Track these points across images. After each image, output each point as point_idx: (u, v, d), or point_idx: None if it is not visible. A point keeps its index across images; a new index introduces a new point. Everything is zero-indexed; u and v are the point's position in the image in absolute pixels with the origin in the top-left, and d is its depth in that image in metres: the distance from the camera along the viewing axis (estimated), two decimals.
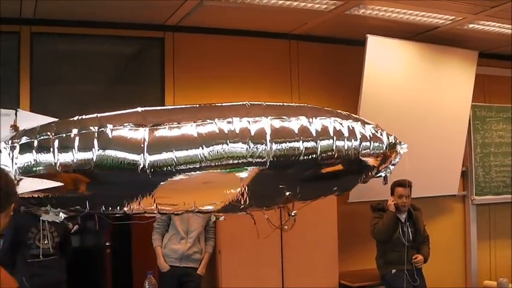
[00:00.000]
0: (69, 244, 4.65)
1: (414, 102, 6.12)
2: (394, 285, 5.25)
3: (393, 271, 5.25)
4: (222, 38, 5.84)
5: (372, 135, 3.12)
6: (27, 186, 2.72)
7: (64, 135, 2.78)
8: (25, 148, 2.82)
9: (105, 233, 5.58)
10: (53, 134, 2.79)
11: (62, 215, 2.94)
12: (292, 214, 3.37)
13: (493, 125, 6.98)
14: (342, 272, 5.81)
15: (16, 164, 2.75)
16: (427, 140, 6.17)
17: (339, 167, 3.11)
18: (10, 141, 2.82)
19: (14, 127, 2.97)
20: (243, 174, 2.83)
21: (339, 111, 3.17)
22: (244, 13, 5.32)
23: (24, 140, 2.82)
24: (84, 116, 2.87)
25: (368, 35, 5.69)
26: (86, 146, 2.73)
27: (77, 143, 2.74)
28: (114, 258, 5.67)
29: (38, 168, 2.76)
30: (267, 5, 5.05)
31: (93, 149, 2.71)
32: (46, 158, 2.79)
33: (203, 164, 2.81)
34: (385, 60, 5.92)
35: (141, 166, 2.71)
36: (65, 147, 2.75)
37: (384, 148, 3.16)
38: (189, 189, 2.87)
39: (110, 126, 2.76)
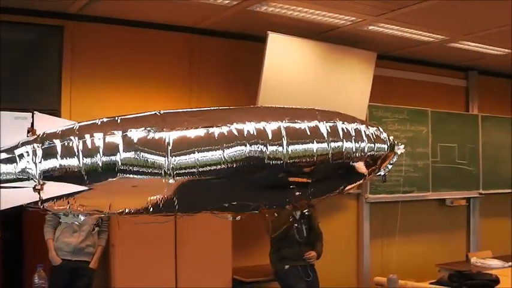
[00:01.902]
0: None
1: (312, 101, 6.22)
2: (287, 281, 5.54)
3: (286, 267, 5.52)
4: (124, 29, 5.96)
5: (375, 137, 3.46)
6: (53, 190, 2.76)
7: (88, 139, 2.85)
8: (49, 152, 2.87)
9: None
10: (76, 138, 2.84)
11: (81, 217, 2.99)
12: (306, 213, 3.69)
13: (389, 126, 7.37)
14: (236, 267, 6.03)
15: (39, 168, 2.77)
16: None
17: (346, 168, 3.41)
18: (32, 145, 2.83)
19: (31, 130, 2.95)
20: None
21: (343, 113, 3.46)
22: (146, 4, 5.47)
23: (47, 144, 2.85)
24: (104, 119, 2.94)
25: (269, 32, 5.90)
26: (110, 151, 2.82)
27: (101, 148, 2.81)
28: (5, 250, 5.68)
29: (63, 173, 2.81)
30: None
31: (118, 153, 2.80)
32: (71, 162, 2.85)
33: (223, 166, 3.02)
34: (285, 58, 6.15)
35: (166, 169, 2.83)
36: (89, 151, 2.82)
37: (386, 149, 3.50)
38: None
39: (133, 130, 2.86)
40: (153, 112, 2.99)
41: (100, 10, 5.62)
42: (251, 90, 6.08)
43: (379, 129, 3.56)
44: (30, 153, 2.80)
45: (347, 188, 3.61)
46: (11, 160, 2.83)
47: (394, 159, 3.68)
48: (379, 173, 3.64)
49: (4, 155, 2.84)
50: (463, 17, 5.95)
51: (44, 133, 2.91)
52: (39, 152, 2.80)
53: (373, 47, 6.86)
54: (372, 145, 3.44)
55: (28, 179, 2.77)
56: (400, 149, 3.65)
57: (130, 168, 2.83)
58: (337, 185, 3.54)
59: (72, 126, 2.95)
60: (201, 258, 5.67)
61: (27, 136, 2.92)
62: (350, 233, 7.45)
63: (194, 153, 2.96)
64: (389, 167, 3.74)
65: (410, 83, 8.05)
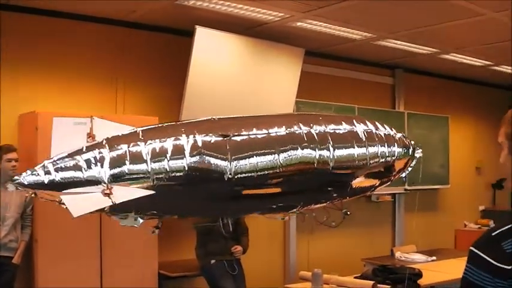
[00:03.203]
0: None
1: (240, 96, 6.53)
2: (213, 276, 5.74)
3: (212, 261, 5.72)
4: (51, 20, 5.97)
5: (401, 142, 3.86)
6: (122, 195, 2.82)
7: (154, 144, 2.94)
8: (117, 157, 2.94)
9: None
10: (143, 143, 2.92)
11: (140, 220, 3.05)
12: (348, 213, 3.96)
13: None
14: (162, 262, 6.09)
15: (108, 173, 2.83)
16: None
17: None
18: (99, 150, 2.89)
19: (90, 135, 2.98)
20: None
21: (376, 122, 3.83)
22: None
23: (113, 148, 2.95)
24: (164, 124, 3.06)
25: (197, 26, 6.01)
26: (178, 155, 2.92)
27: (169, 153, 2.90)
28: None
29: (131, 177, 2.90)
30: None
31: (185, 158, 2.90)
32: (139, 167, 2.93)
33: (279, 170, 3.20)
34: (213, 53, 6.27)
35: (228, 174, 2.97)
36: (158, 156, 2.91)
37: (410, 153, 3.93)
38: None
39: (197, 135, 2.98)
40: (209, 117, 3.28)
41: (27, 0, 5.65)
42: (178, 84, 6.20)
43: (403, 135, 3.99)
44: (98, 158, 2.91)
45: (378, 188, 4.01)
46: (78, 165, 2.94)
47: (414, 163, 4.13)
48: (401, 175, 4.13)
49: (70, 160, 2.94)
50: (389, 15, 6.21)
51: (108, 138, 3.05)
52: (107, 157, 2.92)
53: (301, 43, 7.05)
54: (400, 149, 3.83)
55: (96, 184, 2.87)
56: (418, 153, 4.11)
57: (195, 172, 3.01)
58: (371, 184, 3.92)
59: (133, 130, 3.11)
60: (126, 252, 5.73)
61: (87, 141, 3.02)
62: (276, 227, 7.61)
63: (253, 157, 3.20)
64: (409, 169, 4.17)
65: (337, 80, 8.30)
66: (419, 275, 5.61)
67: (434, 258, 6.91)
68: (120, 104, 6.31)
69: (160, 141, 3.00)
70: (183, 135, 3.04)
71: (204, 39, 6.13)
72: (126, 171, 2.91)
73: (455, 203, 9.75)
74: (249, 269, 6.11)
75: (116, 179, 2.89)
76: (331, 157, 3.44)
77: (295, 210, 3.69)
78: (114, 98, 6.25)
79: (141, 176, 2.92)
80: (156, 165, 2.94)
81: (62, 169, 2.92)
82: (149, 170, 2.92)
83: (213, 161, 3.05)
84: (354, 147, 3.59)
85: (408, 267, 5.87)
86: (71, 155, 2.97)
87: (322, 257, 7.68)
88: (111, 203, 2.87)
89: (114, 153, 2.94)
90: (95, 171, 2.88)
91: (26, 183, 2.95)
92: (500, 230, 1.67)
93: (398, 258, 7.00)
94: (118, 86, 6.34)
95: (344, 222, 7.34)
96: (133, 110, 6.40)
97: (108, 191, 2.84)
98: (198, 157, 3.01)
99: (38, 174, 2.94)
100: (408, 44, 7.49)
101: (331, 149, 3.46)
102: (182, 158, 2.98)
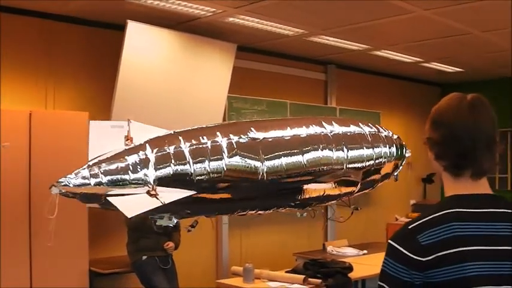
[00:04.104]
0: None
1: (172, 91, 6.59)
2: (145, 272, 5.81)
3: (144, 257, 5.79)
4: None
5: (397, 142, 4.33)
6: (167, 196, 2.87)
7: (196, 146, 3.01)
8: (162, 160, 3.03)
9: None
10: (186, 146, 2.99)
11: (175, 220, 3.10)
12: (359, 208, 4.24)
13: (247, 117, 7.68)
14: (93, 259, 6.09)
15: (154, 174, 2.88)
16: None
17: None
18: (144, 152, 2.93)
19: (128, 138, 2.99)
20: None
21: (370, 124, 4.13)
22: None
23: (156, 150, 3.06)
24: (196, 126, 3.18)
25: (128, 20, 6.01)
26: (217, 156, 3.00)
27: (209, 154, 2.97)
28: None
29: (175, 179, 2.93)
30: None
31: (224, 159, 2.98)
32: (183, 168, 2.96)
33: (303, 171, 3.50)
34: (145, 48, 6.29)
35: (261, 174, 3.08)
36: (199, 157, 2.98)
37: (404, 153, 4.36)
38: None
39: (232, 136, 3.08)
40: (244, 121, 3.50)
41: None
42: (110, 79, 6.21)
43: (398, 136, 4.39)
44: (143, 160, 3.00)
45: (379, 184, 4.41)
46: (124, 168, 3.02)
47: (403, 162, 4.55)
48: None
49: (116, 162, 3.02)
50: (321, 12, 6.33)
51: (149, 140, 3.16)
52: (152, 159, 3.01)
53: (233, 39, 7.16)
54: (395, 150, 4.21)
55: (142, 185, 2.96)
56: (408, 152, 4.55)
57: (232, 173, 3.17)
58: (374, 183, 4.30)
59: (170, 132, 3.24)
60: (57, 250, 5.64)
61: (125, 143, 3.11)
62: (208, 223, 7.55)
63: (281, 157, 3.41)
64: (401, 167, 4.57)
65: (270, 75, 8.43)
66: (349, 268, 5.79)
67: (365, 252, 7.09)
68: (50, 98, 6.26)
69: (199, 143, 3.19)
70: (219, 136, 3.25)
71: (136, 33, 6.14)
72: (171, 173, 3.07)
73: (387, 197, 10.00)
74: (181, 264, 6.21)
75: (161, 180, 3.05)
76: (346, 157, 3.74)
77: (309, 207, 4.00)
78: (44, 92, 6.22)
79: (184, 177, 3.09)
80: (197, 166, 3.11)
81: (108, 171, 3.05)
82: (192, 172, 3.09)
83: (248, 161, 3.27)
84: (363, 148, 3.92)
85: (339, 261, 6.07)
86: (115, 157, 3.12)
87: (255, 252, 7.81)
88: (160, 204, 3.03)
89: (159, 155, 3.10)
90: (141, 173, 3.02)
91: (72, 185, 3.06)
92: (416, 223, 1.74)
93: (330, 252, 7.15)
94: (48, 81, 6.28)
95: (277, 217, 7.50)
96: (64, 105, 6.35)
97: (154, 192, 2.98)
98: (235, 158, 3.22)
99: (84, 176, 3.05)
100: (340, 40, 7.66)
101: (345, 149, 3.77)
102: (221, 159, 3.18)
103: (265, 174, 3.36)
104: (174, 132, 3.34)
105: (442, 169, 1.85)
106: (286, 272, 5.81)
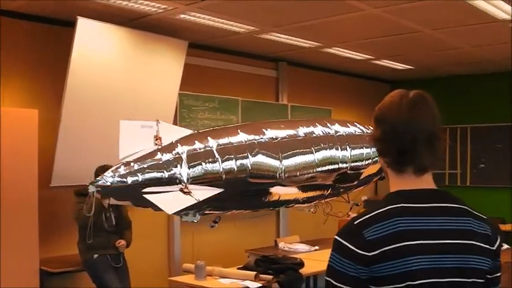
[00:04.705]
0: None
1: (123, 88, 6.60)
2: (96, 270, 5.84)
3: (95, 256, 5.81)
4: None
5: None
6: (199, 193, 2.97)
7: (223, 145, 3.10)
8: (193, 158, 3.20)
9: None
10: (214, 145, 3.08)
11: (198, 216, 3.17)
12: (359, 204, 4.48)
13: (199, 114, 7.77)
14: (44, 258, 6.08)
15: (187, 173, 2.96)
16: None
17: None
18: (177, 151, 3.01)
19: (157, 138, 3.04)
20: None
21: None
22: None
23: (187, 151, 3.24)
24: (218, 127, 3.34)
25: (78, 17, 5.99)
26: (242, 154, 3.09)
27: (234, 152, 3.06)
28: None
29: (206, 176, 3.02)
30: None
31: (248, 158, 3.06)
32: (214, 167, 3.00)
33: (315, 170, 3.79)
34: (95, 44, 6.28)
35: (279, 172, 3.19)
36: (226, 155, 3.07)
37: None
38: None
39: (253, 136, 3.20)
40: (259, 122, 3.86)
41: None
42: (60, 76, 6.18)
43: None
44: (176, 159, 3.13)
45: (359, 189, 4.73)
46: (159, 166, 3.13)
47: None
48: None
49: (151, 161, 3.15)
50: (272, 9, 6.40)
51: (179, 140, 3.29)
52: (184, 158, 3.13)
53: (184, 36, 7.20)
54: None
55: (175, 183, 3.08)
56: None
57: (256, 171, 3.32)
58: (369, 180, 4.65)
59: (196, 132, 3.39)
60: (5, 248, 5.65)
61: (155, 143, 3.22)
62: (160, 220, 7.70)
63: (296, 156, 3.59)
64: None
65: (221, 73, 8.51)
66: (301, 264, 5.92)
67: (317, 248, 7.21)
68: None
69: (224, 142, 3.35)
70: (241, 135, 3.41)
71: (86, 30, 6.12)
72: (202, 171, 3.23)
73: None
74: (133, 262, 6.25)
75: (193, 178, 3.21)
76: (349, 156, 3.98)
77: (313, 203, 4.25)
78: None
79: (214, 175, 3.26)
80: (225, 165, 3.26)
81: (144, 170, 3.18)
82: (220, 170, 3.25)
83: (268, 160, 3.44)
84: (362, 148, 4.17)
85: (290, 257, 6.19)
86: (149, 156, 3.29)
87: (208, 249, 7.86)
88: (196, 201, 3.18)
89: (190, 154, 3.26)
90: (175, 172, 3.16)
91: (109, 183, 3.18)
92: (362, 219, 1.77)
93: (282, 248, 7.23)
94: None
95: (229, 214, 7.60)
96: (13, 102, 6.32)
97: (187, 190, 3.13)
98: (258, 156, 3.39)
99: (122, 175, 3.18)
100: (291, 37, 7.76)
101: (349, 149, 3.99)
102: (246, 158, 3.34)
103: (283, 173, 3.59)
104: (200, 131, 3.55)
105: (385, 165, 1.90)
106: (238, 268, 5.88)
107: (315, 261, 6.22)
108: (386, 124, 1.86)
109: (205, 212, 3.72)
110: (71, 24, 6.11)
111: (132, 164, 3.38)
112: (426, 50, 8.79)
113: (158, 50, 7.00)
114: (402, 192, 1.83)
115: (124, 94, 6.65)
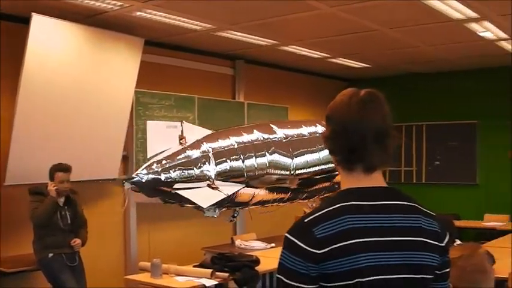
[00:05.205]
0: None
1: (78, 85, 6.60)
2: (51, 269, 5.85)
3: (50, 255, 5.82)
4: None
5: None
6: (225, 189, 3.15)
7: (243, 143, 3.25)
8: (219, 156, 3.51)
9: None
10: (235, 143, 3.25)
11: (218, 212, 3.33)
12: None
13: (155, 112, 7.80)
14: None
15: (215, 170, 3.15)
16: (89, 124, 6.73)
17: None
18: (204, 150, 3.18)
19: (182, 137, 3.19)
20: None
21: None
22: None
23: (212, 148, 3.53)
24: (237, 127, 3.73)
25: (33, 13, 5.97)
26: (261, 152, 3.24)
27: (254, 150, 3.21)
28: None
29: (231, 174, 3.50)
30: None
31: (266, 156, 3.21)
32: (237, 164, 3.41)
33: (320, 167, 4.11)
34: (51, 42, 6.28)
35: (291, 170, 3.36)
36: (247, 153, 3.22)
37: None
38: None
39: (267, 135, 3.36)
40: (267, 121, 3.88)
41: None
42: (15, 74, 6.16)
43: None
44: (204, 156, 3.34)
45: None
46: (189, 163, 3.34)
47: None
48: None
49: (183, 159, 3.38)
50: (229, 7, 6.47)
51: (204, 139, 3.52)
52: (211, 155, 3.35)
53: (141, 33, 7.25)
54: None
55: (204, 180, 3.30)
56: None
57: (273, 169, 3.53)
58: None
59: (215, 132, 3.60)
60: None
61: (180, 142, 3.42)
62: (116, 218, 7.74)
63: (304, 155, 3.83)
64: None
65: (178, 70, 8.56)
66: (256, 261, 5.98)
67: (273, 245, 7.27)
68: None
69: (244, 140, 3.56)
70: (256, 134, 3.62)
71: (41, 27, 6.12)
72: (228, 168, 3.49)
73: None
74: (89, 261, 6.27)
75: (219, 174, 3.46)
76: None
77: (312, 199, 4.51)
78: None
79: (238, 172, 3.52)
80: (248, 162, 3.47)
81: (177, 167, 3.43)
82: (243, 167, 3.49)
83: (282, 158, 3.67)
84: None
85: (246, 255, 6.25)
86: (179, 154, 3.54)
87: (164, 247, 7.91)
88: (224, 196, 3.44)
89: (216, 152, 3.50)
90: (203, 169, 3.42)
91: (144, 180, 3.40)
92: (312, 217, 1.78)
93: (238, 246, 7.33)
94: None
95: (186, 212, 7.70)
96: None
97: (214, 186, 3.38)
98: (274, 155, 3.61)
99: (155, 172, 3.42)
100: (248, 35, 7.84)
101: None
102: (264, 156, 3.55)
103: (294, 170, 3.85)
104: (220, 131, 3.91)
105: (336, 163, 1.92)
106: (194, 266, 5.93)
107: (271, 258, 6.22)
108: (336, 123, 1.89)
109: (224, 207, 3.97)
110: (26, 21, 6.09)
111: (164, 161, 3.70)
112: (382, 49, 8.96)
113: (114, 47, 7.01)
114: (352, 190, 1.85)
115: (79, 92, 6.65)
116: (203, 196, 3.59)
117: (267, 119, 9.30)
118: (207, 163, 3.61)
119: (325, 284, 1.73)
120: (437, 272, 1.86)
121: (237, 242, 7.51)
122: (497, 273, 5.22)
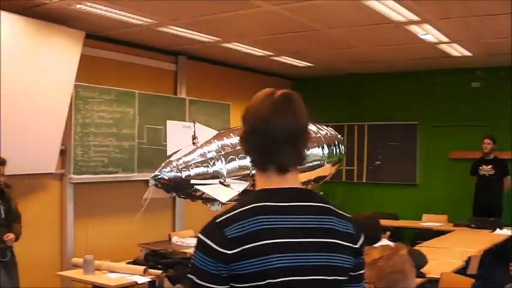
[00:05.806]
0: None
1: (16, 78, 6.52)
2: None
3: None
4: None
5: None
6: (235, 186, 3.74)
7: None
8: (229, 155, 3.88)
9: None
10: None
11: (221, 206, 3.52)
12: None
13: (95, 106, 7.80)
14: None
15: (226, 168, 3.35)
16: (26, 117, 6.67)
17: None
18: (216, 150, 3.59)
19: (195, 137, 3.34)
20: None
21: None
22: None
23: (222, 148, 3.85)
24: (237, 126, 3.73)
25: None
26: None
27: None
28: None
29: (239, 172, 3.82)
30: None
31: None
32: (245, 163, 3.89)
33: (322, 162, 4.70)
34: None
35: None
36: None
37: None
38: None
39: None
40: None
41: None
42: None
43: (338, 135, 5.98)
44: (217, 155, 3.59)
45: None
46: (206, 162, 3.60)
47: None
48: None
49: (199, 158, 3.65)
50: (170, 2, 6.50)
51: (215, 138, 4.06)
52: (223, 154, 3.59)
53: (81, 26, 7.23)
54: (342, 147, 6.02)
55: (217, 177, 3.55)
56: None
57: None
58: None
59: (221, 131, 4.22)
60: None
61: (193, 142, 3.66)
62: (53, 213, 7.69)
63: (309, 149, 4.21)
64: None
65: (120, 65, 8.57)
66: (190, 259, 6.04)
67: None
68: None
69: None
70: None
71: None
72: (237, 166, 3.76)
73: None
74: (23, 256, 6.26)
75: (229, 172, 3.68)
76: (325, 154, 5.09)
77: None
78: None
79: (245, 170, 3.79)
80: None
81: (195, 165, 3.72)
82: (249, 166, 3.74)
83: None
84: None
85: (180, 252, 6.35)
86: (195, 152, 3.82)
87: (102, 243, 7.92)
88: (236, 193, 3.85)
89: (227, 151, 3.77)
90: (217, 167, 3.69)
91: (167, 178, 3.86)
92: (224, 217, 1.81)
93: (175, 243, 7.36)
94: None
95: (123, 208, 7.74)
96: None
97: (226, 183, 3.63)
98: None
99: (177, 169, 3.69)
100: (190, 31, 7.90)
101: (325, 147, 5.11)
102: None
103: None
104: (225, 130, 4.27)
105: (251, 164, 1.99)
106: (128, 263, 6.00)
107: None
108: (248, 123, 1.94)
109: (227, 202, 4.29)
110: None
111: (182, 160, 4.02)
112: (324, 49, 9.14)
113: (53, 39, 6.97)
114: (266, 190, 1.88)
115: (17, 84, 6.59)
116: (218, 192, 3.92)
117: (209, 116, 9.47)
118: (219, 161, 3.95)
119: (236, 285, 1.75)
120: (351, 273, 1.90)
121: (174, 239, 7.55)
122: (430, 273, 5.46)
